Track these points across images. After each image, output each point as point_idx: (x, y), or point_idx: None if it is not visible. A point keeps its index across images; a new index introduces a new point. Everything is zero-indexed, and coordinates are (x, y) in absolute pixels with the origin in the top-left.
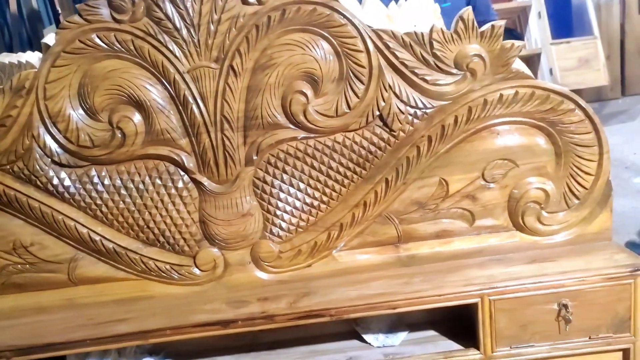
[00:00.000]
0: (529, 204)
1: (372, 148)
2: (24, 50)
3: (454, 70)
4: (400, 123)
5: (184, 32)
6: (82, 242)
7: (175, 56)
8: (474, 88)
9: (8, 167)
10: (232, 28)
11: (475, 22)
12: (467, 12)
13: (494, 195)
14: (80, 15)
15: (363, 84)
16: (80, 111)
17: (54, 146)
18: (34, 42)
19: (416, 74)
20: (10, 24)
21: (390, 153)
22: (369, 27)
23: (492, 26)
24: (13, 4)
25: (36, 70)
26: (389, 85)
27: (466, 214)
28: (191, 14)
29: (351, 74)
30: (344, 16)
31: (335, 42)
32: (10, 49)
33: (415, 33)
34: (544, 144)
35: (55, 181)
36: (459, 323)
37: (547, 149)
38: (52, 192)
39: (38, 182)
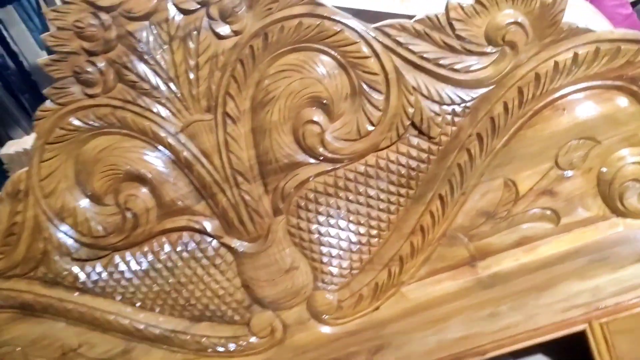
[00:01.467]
0: (627, 183)
1: (414, 163)
2: None
3: (488, 49)
4: (439, 127)
5: (164, 88)
6: (128, 333)
7: (162, 117)
8: (520, 62)
9: (32, 274)
10: (215, 70)
11: None
12: None
13: (577, 183)
14: (51, 101)
15: (381, 93)
16: (85, 200)
17: (69, 242)
18: None
19: (442, 65)
20: None
21: (436, 163)
22: (370, 24)
23: None
24: None
25: (27, 169)
26: (413, 87)
27: (548, 214)
28: (165, 67)
29: (365, 86)
30: (337, 21)
31: (336, 54)
32: None
33: (429, 17)
34: (628, 107)
35: (82, 278)
36: (572, 339)
37: (634, 111)
38: (82, 289)
39: (65, 283)
